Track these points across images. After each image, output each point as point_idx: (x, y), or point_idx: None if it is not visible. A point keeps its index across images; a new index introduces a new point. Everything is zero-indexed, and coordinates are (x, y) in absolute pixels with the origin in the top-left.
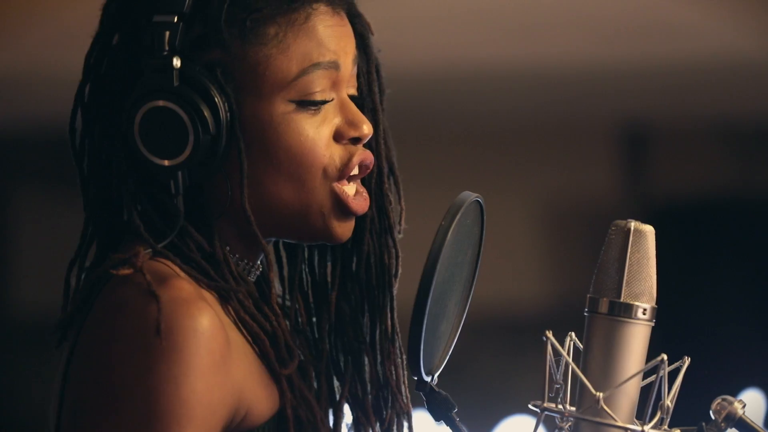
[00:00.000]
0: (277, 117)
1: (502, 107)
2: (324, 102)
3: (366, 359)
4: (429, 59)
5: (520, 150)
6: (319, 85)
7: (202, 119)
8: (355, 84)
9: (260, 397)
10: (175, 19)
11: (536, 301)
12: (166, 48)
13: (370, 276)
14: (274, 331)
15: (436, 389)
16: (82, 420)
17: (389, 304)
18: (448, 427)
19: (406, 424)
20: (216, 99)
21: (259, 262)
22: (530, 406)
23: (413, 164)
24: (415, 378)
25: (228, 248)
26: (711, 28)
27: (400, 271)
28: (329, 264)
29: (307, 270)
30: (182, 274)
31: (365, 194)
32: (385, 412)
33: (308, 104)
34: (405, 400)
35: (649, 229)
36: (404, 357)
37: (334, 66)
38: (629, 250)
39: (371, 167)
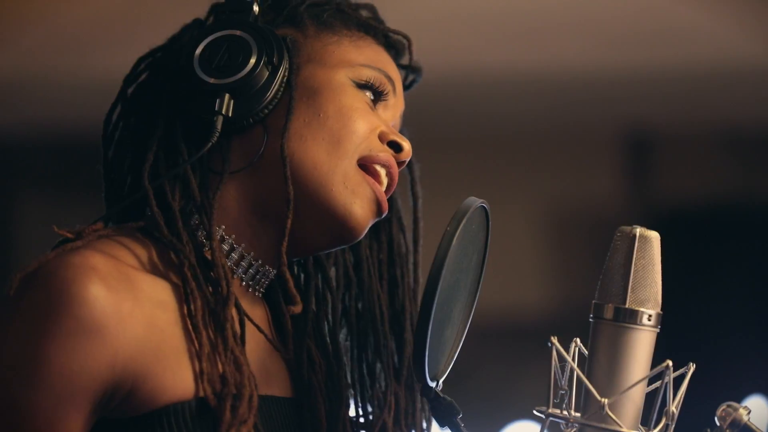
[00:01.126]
0: (336, 82)
1: (506, 113)
2: (380, 95)
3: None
4: (432, 64)
5: (525, 156)
6: (379, 82)
7: (269, 50)
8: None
9: (168, 375)
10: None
11: (541, 306)
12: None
13: (396, 287)
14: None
15: (441, 395)
16: None
17: (412, 310)
18: None
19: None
20: (284, 48)
21: (257, 260)
22: (535, 412)
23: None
24: (420, 384)
25: (224, 227)
26: (716, 34)
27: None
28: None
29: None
30: (130, 253)
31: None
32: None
33: (366, 88)
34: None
35: (654, 236)
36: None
37: (393, 86)
38: (634, 256)
39: (394, 184)
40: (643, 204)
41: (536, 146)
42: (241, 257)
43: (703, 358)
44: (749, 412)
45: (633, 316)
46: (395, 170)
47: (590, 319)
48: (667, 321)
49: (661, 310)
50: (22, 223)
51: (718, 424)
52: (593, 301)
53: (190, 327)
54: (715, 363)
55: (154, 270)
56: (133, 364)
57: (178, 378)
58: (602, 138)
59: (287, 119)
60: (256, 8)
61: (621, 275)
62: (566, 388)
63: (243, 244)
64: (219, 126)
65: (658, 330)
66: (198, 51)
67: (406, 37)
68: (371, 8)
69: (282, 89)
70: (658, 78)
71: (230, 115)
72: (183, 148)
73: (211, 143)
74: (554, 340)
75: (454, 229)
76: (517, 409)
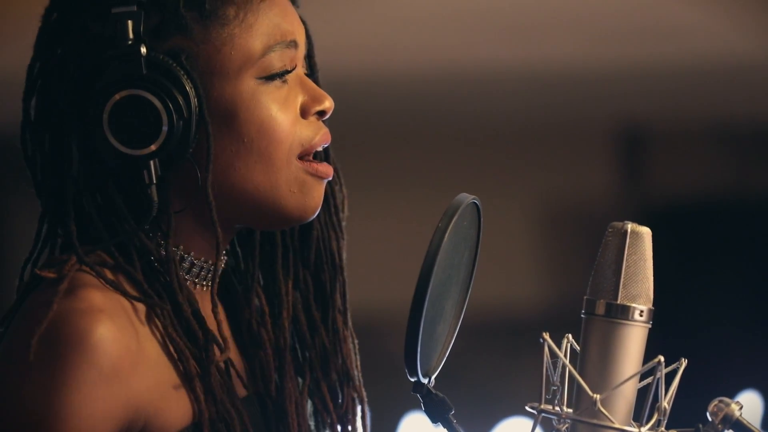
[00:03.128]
0: (246, 94)
1: (499, 109)
2: (287, 72)
3: (319, 343)
4: (425, 60)
5: (518, 152)
6: (282, 61)
7: (176, 104)
8: (304, 64)
9: (171, 407)
10: (135, 8)
11: (533, 302)
12: (131, 37)
13: (321, 260)
14: (204, 345)
15: (433, 391)
16: None
17: (340, 287)
18: (445, 430)
19: (360, 408)
20: (185, 84)
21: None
22: (527, 408)
23: (410, 166)
24: (413, 380)
25: (182, 247)
26: (709, 30)
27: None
28: (280, 255)
29: (258, 262)
30: (107, 284)
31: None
32: (341, 397)
33: (274, 77)
34: (358, 384)
35: (646, 231)
36: (356, 341)
37: (294, 44)
38: (626, 251)
39: (329, 139)
40: (636, 199)
41: (529, 142)
42: (201, 269)
43: (696, 354)
44: (741, 408)
45: (625, 312)
46: (329, 138)
47: (582, 315)
48: (660, 316)
49: (654, 305)
50: (16, 222)
51: (710, 419)
52: (585, 297)
53: (175, 356)
54: (709, 358)
55: (134, 298)
56: (143, 402)
57: (176, 406)
58: (596, 134)
59: (207, 162)
60: (143, 49)
61: (612, 271)
62: (558, 384)
63: (202, 257)
64: (155, 196)
65: (649, 326)
66: (105, 118)
67: None
68: None
69: (198, 128)
70: (651, 74)
71: (159, 174)
72: (124, 209)
73: (153, 215)
74: (546, 336)
75: (446, 226)
76: (510, 405)
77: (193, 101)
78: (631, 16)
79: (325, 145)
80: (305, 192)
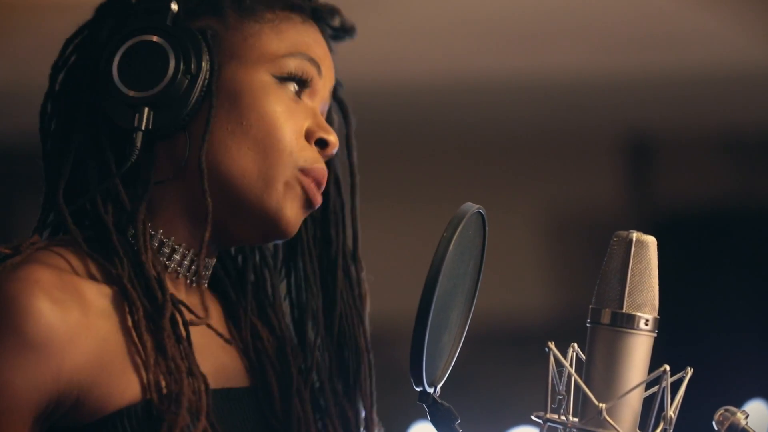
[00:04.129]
0: (257, 83)
1: (505, 117)
2: (302, 82)
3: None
4: (430, 70)
5: (524, 160)
6: (299, 69)
7: (186, 58)
8: (325, 116)
9: (116, 383)
10: None
11: (540, 312)
12: None
13: (344, 339)
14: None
15: (439, 401)
16: None
17: (365, 370)
18: None
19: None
20: (202, 52)
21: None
22: (533, 418)
23: (416, 176)
24: (418, 389)
25: (161, 231)
26: (715, 38)
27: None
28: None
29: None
30: (70, 262)
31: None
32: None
33: (288, 79)
34: (369, 387)
35: (650, 240)
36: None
37: (318, 68)
38: (631, 260)
39: (326, 177)
40: (643, 208)
41: (536, 151)
42: (183, 256)
43: (702, 363)
44: (747, 417)
45: (630, 321)
46: (324, 179)
47: (587, 324)
48: (667, 325)
49: (661, 314)
50: (23, 230)
51: (716, 428)
52: (590, 306)
53: (134, 335)
54: (715, 367)
55: (95, 278)
56: (78, 376)
57: (123, 384)
58: (602, 143)
59: (206, 130)
60: (174, 6)
61: (618, 280)
62: (564, 393)
63: (183, 243)
64: (138, 143)
65: (655, 335)
66: (116, 59)
67: (334, 9)
68: None
69: (203, 96)
70: (657, 82)
71: (150, 127)
72: (111, 160)
73: (131, 162)
74: (551, 345)
75: (451, 235)
76: (516, 414)
77: (205, 65)
78: (637, 26)
79: (321, 183)
80: (288, 197)
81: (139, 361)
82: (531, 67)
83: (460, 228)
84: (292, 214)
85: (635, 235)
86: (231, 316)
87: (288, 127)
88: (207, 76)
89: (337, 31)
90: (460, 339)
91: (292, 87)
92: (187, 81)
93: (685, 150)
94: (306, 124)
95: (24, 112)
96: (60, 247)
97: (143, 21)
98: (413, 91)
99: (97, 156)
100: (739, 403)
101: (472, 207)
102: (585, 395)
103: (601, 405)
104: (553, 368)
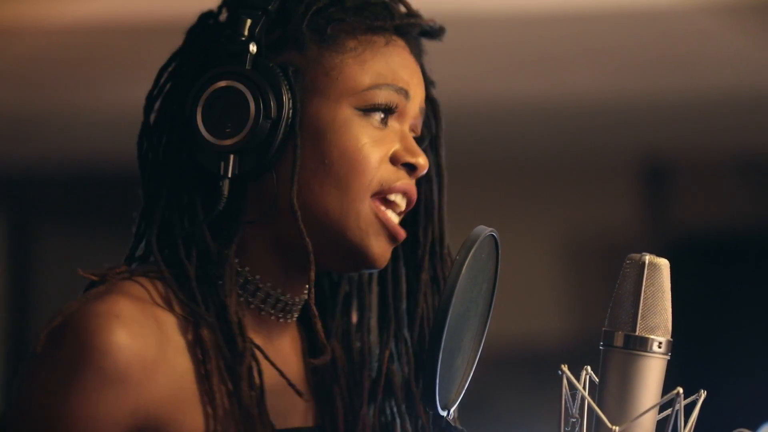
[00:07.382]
0: (340, 120)
1: (522, 140)
2: (388, 110)
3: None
4: (446, 92)
5: (539, 183)
6: (386, 99)
7: (266, 102)
8: (418, 129)
9: (188, 420)
10: (260, 13)
11: (554, 335)
12: (245, 34)
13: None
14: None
15: (452, 423)
16: None
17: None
18: None
19: None
20: (282, 89)
21: (286, 294)
22: None
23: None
24: (431, 412)
25: (248, 268)
26: (731, 61)
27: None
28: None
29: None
30: (153, 294)
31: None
32: None
33: (372, 110)
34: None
35: (663, 263)
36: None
37: (405, 94)
38: (644, 283)
39: (413, 203)
40: (659, 231)
41: (552, 174)
42: (267, 295)
43: (717, 385)
44: None
45: (643, 344)
46: (412, 192)
47: (600, 347)
48: (678, 348)
49: (675, 336)
50: (43, 256)
51: None
52: (603, 329)
53: (213, 378)
54: (730, 390)
55: (176, 312)
56: (156, 410)
57: (197, 423)
58: (618, 165)
59: (293, 172)
60: (253, 48)
61: (630, 303)
62: (577, 416)
63: (269, 283)
64: (225, 190)
65: (668, 357)
66: (199, 107)
67: (417, 20)
68: None
69: (286, 137)
70: (673, 105)
71: (237, 172)
72: (198, 204)
73: (219, 209)
74: (564, 368)
75: (464, 258)
76: None
77: (287, 107)
78: (654, 48)
79: (409, 197)
80: (371, 233)
81: (212, 406)
82: (547, 89)
83: (472, 251)
84: (379, 250)
85: (648, 257)
86: (311, 343)
87: (369, 157)
88: (290, 116)
89: (426, 36)
90: (474, 362)
91: (378, 116)
92: (269, 125)
93: (701, 173)
94: (393, 148)
95: (49, 139)
96: (144, 278)
97: (224, 62)
98: None
99: (184, 200)
100: (753, 426)
101: (485, 230)
102: (598, 418)
103: (614, 428)
104: (566, 391)
